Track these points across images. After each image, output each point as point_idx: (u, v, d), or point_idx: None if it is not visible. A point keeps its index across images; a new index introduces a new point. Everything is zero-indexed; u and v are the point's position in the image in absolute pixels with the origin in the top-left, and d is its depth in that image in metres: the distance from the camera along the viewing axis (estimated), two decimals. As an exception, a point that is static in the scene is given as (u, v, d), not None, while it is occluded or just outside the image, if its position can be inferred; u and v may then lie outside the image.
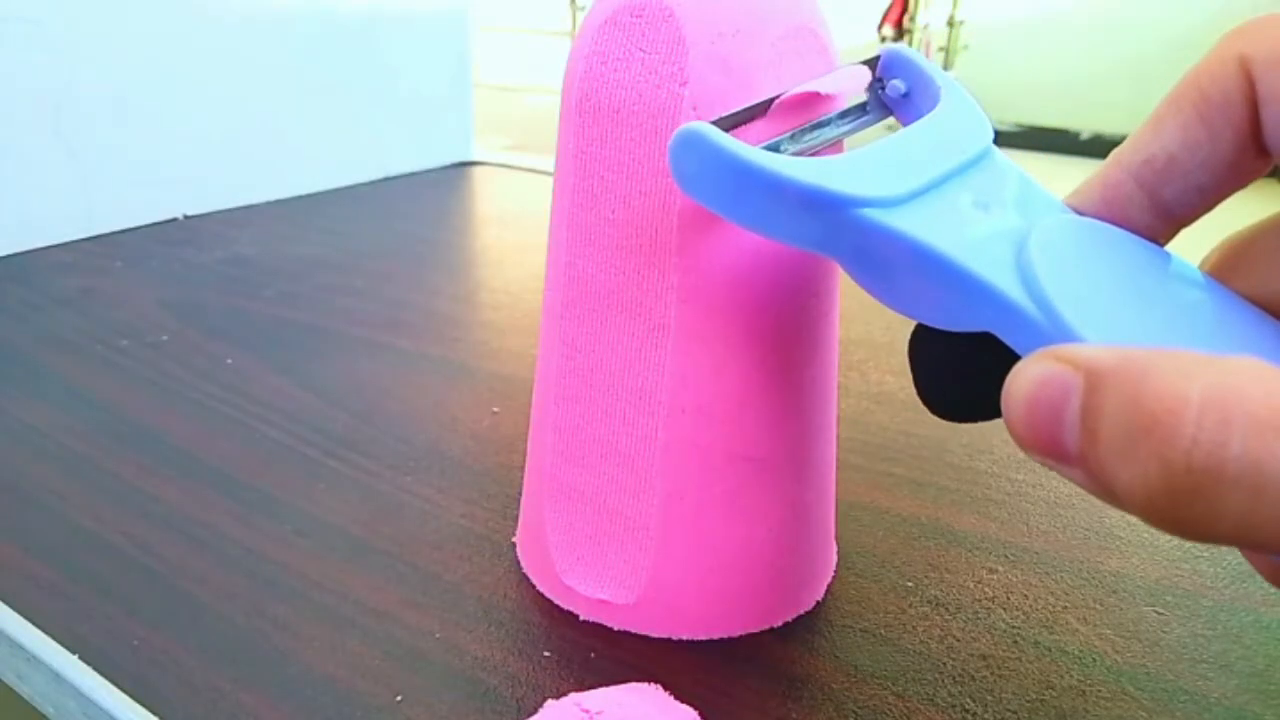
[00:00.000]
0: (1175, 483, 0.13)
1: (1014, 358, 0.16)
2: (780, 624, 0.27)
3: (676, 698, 0.23)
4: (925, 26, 2.84)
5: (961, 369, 0.19)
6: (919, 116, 0.23)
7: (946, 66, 3.32)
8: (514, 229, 0.69)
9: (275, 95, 0.71)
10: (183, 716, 0.23)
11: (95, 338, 0.46)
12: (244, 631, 0.26)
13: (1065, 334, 0.16)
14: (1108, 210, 0.20)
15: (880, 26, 2.92)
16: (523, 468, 0.30)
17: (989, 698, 0.24)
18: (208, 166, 0.68)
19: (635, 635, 0.26)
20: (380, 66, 0.78)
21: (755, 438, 0.25)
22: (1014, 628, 0.27)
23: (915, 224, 0.19)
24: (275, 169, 0.72)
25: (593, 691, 0.23)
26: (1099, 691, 0.25)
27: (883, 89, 0.24)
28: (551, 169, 0.26)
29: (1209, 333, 0.18)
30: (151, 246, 0.61)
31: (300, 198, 0.73)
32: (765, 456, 0.25)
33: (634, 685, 0.24)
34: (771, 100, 0.22)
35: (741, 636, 0.26)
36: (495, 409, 0.40)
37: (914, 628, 0.27)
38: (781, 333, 0.24)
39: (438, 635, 0.26)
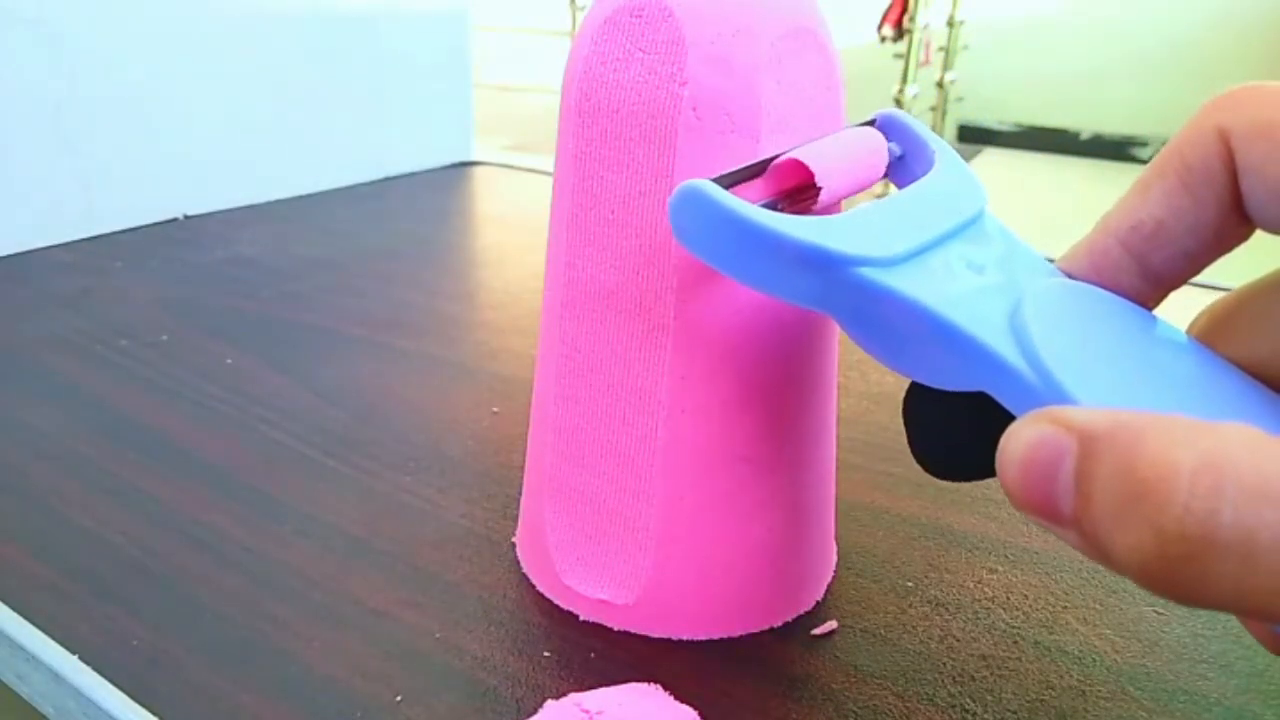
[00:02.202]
0: (1168, 550, 0.13)
1: (1008, 418, 0.17)
2: (780, 624, 0.27)
3: (676, 698, 0.23)
4: (925, 26, 2.84)
5: (956, 428, 0.20)
6: (913, 178, 0.23)
7: (946, 66, 3.32)
8: (514, 229, 0.69)
9: (275, 95, 0.71)
10: (183, 716, 0.23)
11: (95, 338, 0.46)
12: (244, 631, 0.26)
13: (1059, 396, 0.17)
14: (1097, 275, 0.20)
15: (880, 26, 2.92)
16: (523, 468, 0.30)
17: (989, 698, 0.24)
18: (208, 166, 0.68)
19: (635, 635, 0.26)
20: (380, 66, 0.78)
21: (755, 438, 0.25)
22: (1014, 628, 0.27)
23: (911, 284, 0.19)
24: (275, 169, 0.72)
25: (593, 691, 0.23)
26: (1099, 691, 0.25)
27: None
28: (551, 169, 0.26)
29: (1198, 398, 0.18)
30: (151, 246, 0.61)
31: (300, 198, 0.73)
32: (765, 457, 0.25)
33: (634, 685, 0.24)
34: (769, 160, 0.22)
35: (741, 636, 0.26)
36: (495, 409, 0.40)
37: (914, 628, 0.27)
38: (781, 332, 0.24)
39: (438, 635, 0.26)
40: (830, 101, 0.25)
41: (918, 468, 0.21)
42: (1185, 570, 0.13)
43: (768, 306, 0.24)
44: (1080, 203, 3.02)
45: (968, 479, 0.21)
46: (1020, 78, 3.65)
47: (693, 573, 0.26)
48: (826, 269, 0.19)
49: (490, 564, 0.29)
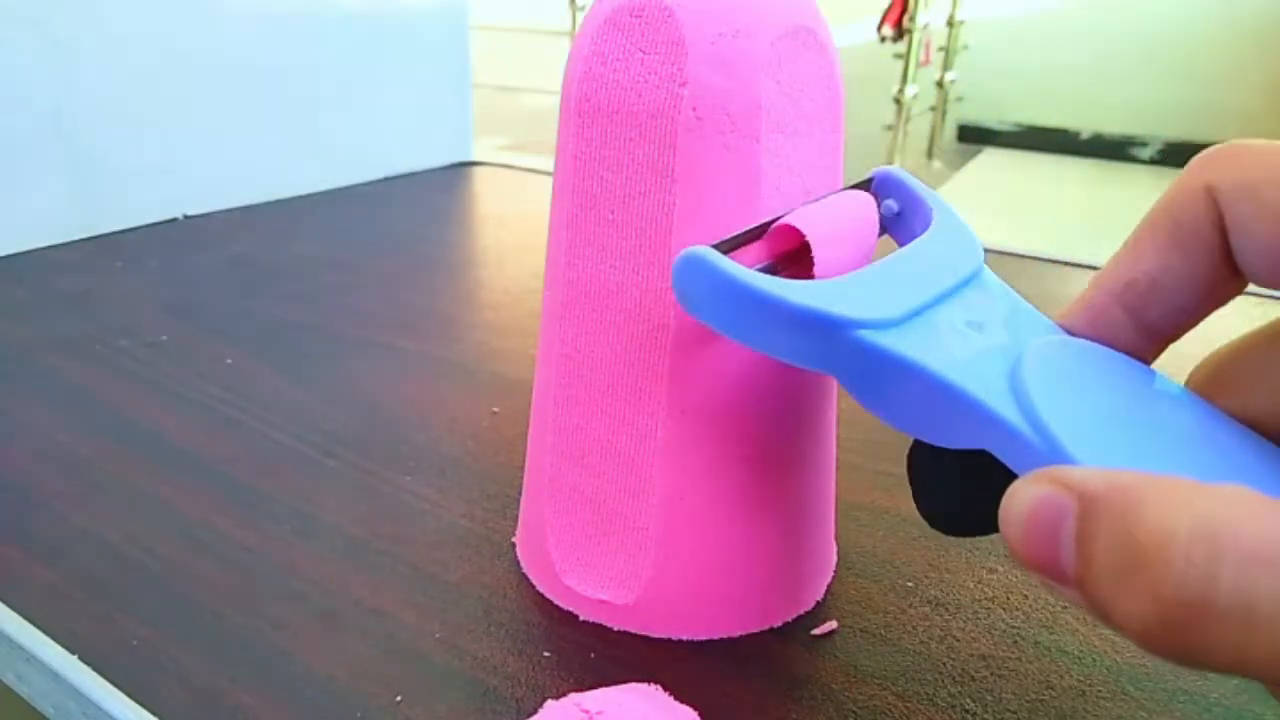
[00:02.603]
0: (1168, 615, 0.13)
1: (1010, 475, 0.17)
2: (780, 624, 0.27)
3: (676, 698, 0.23)
4: (925, 26, 2.84)
5: (959, 485, 0.20)
6: (911, 234, 0.23)
7: (946, 66, 3.32)
8: (514, 229, 0.69)
9: (275, 95, 0.71)
10: (182, 716, 0.23)
11: (95, 338, 0.46)
12: (244, 631, 0.26)
13: (1059, 454, 0.17)
14: (1094, 331, 0.20)
15: (880, 26, 2.92)
16: (523, 468, 0.30)
17: (989, 698, 0.24)
18: (208, 166, 0.68)
19: (635, 635, 0.26)
20: (380, 66, 0.78)
21: (754, 438, 0.25)
22: (1014, 628, 0.27)
23: (911, 345, 0.19)
24: (275, 169, 0.72)
25: (593, 691, 0.23)
26: (1099, 691, 0.25)
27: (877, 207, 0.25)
28: (551, 169, 0.26)
29: (1197, 454, 0.18)
30: (151, 246, 0.61)
31: (300, 198, 0.73)
32: (764, 457, 0.25)
33: (634, 685, 0.24)
34: (769, 224, 0.23)
35: (741, 636, 0.26)
36: (495, 409, 0.40)
37: (914, 628, 0.27)
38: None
39: (438, 635, 0.26)
40: (830, 101, 0.25)
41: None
42: (1186, 636, 0.13)
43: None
44: (1080, 203, 3.02)
45: (972, 534, 0.21)
46: (1020, 78, 3.66)
47: (693, 573, 0.26)
48: (826, 332, 0.20)
49: (490, 564, 0.29)
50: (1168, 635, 0.13)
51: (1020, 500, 0.15)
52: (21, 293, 0.52)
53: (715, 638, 0.26)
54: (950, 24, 3.22)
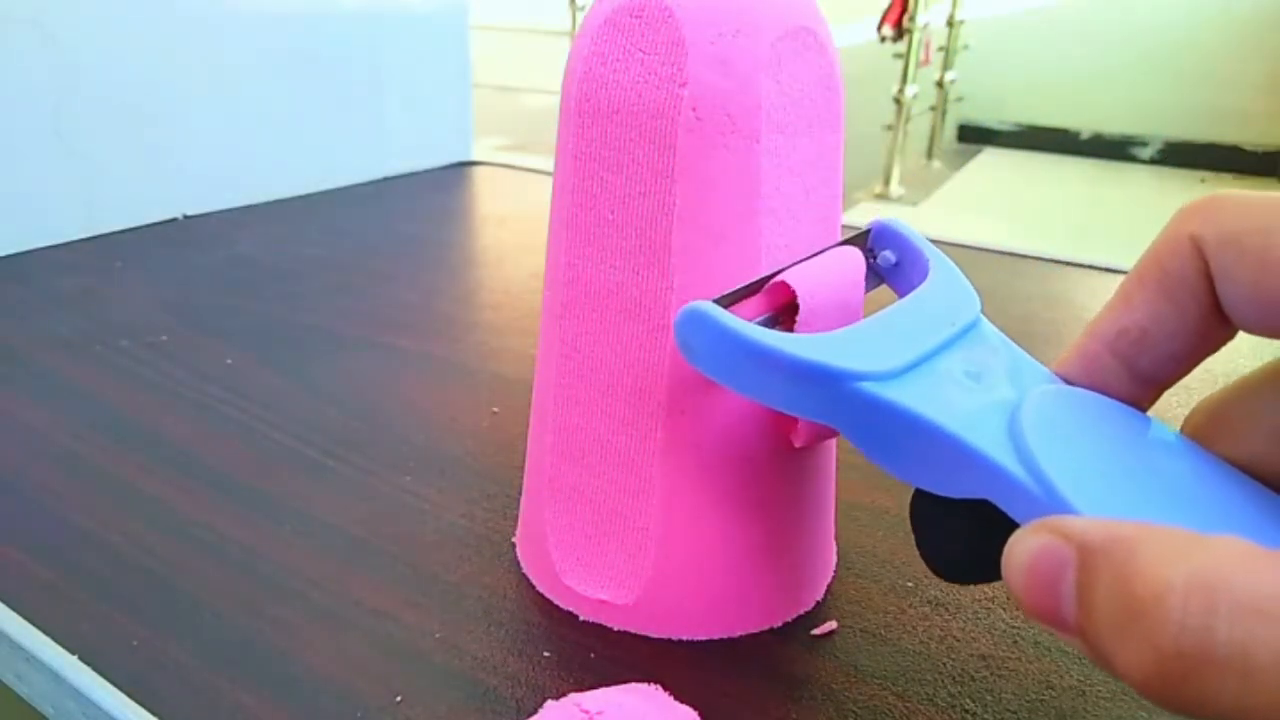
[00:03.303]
0: (1167, 667, 0.13)
1: (1012, 523, 0.17)
2: (780, 624, 0.27)
3: (676, 698, 0.23)
4: (925, 26, 2.84)
5: (961, 533, 0.20)
6: (910, 284, 0.24)
7: (946, 66, 3.32)
8: (514, 229, 0.69)
9: (275, 95, 0.71)
10: (182, 717, 0.23)
11: (95, 338, 0.46)
12: (244, 631, 0.26)
13: (1059, 503, 0.17)
14: (1089, 380, 0.21)
15: (880, 26, 2.92)
16: (523, 468, 0.30)
17: (989, 698, 0.24)
18: (208, 166, 0.68)
19: (635, 635, 0.26)
20: (380, 66, 0.78)
21: (754, 438, 0.25)
22: (1014, 628, 0.27)
23: (911, 396, 0.20)
24: (275, 169, 0.72)
25: (593, 691, 0.23)
26: (1099, 691, 0.25)
27: (874, 258, 0.25)
28: (551, 169, 0.26)
29: (1193, 502, 0.18)
30: (151, 246, 0.61)
31: (300, 198, 0.73)
32: (764, 456, 0.25)
33: (634, 685, 0.24)
34: (768, 277, 0.23)
35: (741, 636, 0.26)
36: (495, 409, 0.40)
37: (914, 628, 0.27)
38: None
39: (438, 635, 0.26)
40: (830, 101, 0.25)
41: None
42: (1185, 687, 0.13)
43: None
44: (1080, 203, 3.02)
45: (977, 581, 0.21)
46: (1020, 78, 3.66)
47: (693, 573, 0.26)
48: (827, 384, 0.20)
49: (490, 564, 0.29)
50: (1167, 686, 0.13)
51: (1022, 550, 0.16)
52: (21, 293, 0.52)
53: (715, 638, 0.26)
54: (950, 24, 3.22)
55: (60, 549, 0.30)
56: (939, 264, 0.24)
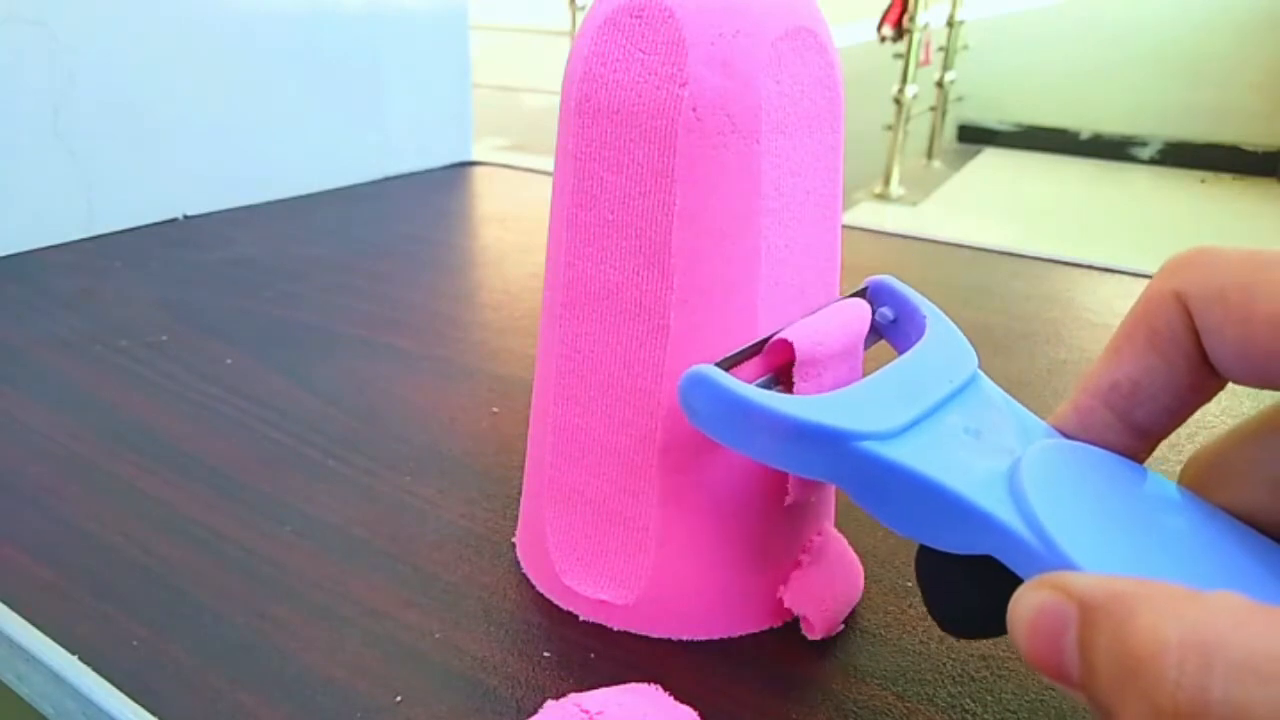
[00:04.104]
0: None
1: (1016, 578, 0.18)
2: (780, 624, 0.27)
3: (676, 698, 0.23)
4: (925, 26, 2.84)
5: (966, 589, 0.20)
6: (907, 339, 0.24)
7: (946, 66, 3.32)
8: (514, 229, 0.69)
9: (275, 95, 0.71)
10: (182, 717, 0.23)
11: (95, 338, 0.46)
12: (244, 631, 0.26)
13: (1060, 559, 0.17)
14: (1085, 434, 0.21)
15: (880, 26, 2.92)
16: (522, 468, 0.30)
17: (989, 698, 0.24)
18: (208, 166, 0.68)
19: (635, 635, 0.26)
20: (380, 66, 0.78)
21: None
22: (1014, 628, 0.27)
23: (911, 454, 0.20)
24: (275, 169, 0.72)
25: (593, 692, 0.23)
26: (1099, 691, 0.24)
27: (873, 314, 0.26)
28: (551, 169, 0.26)
29: (1191, 556, 0.18)
30: (151, 246, 0.61)
31: (300, 198, 0.73)
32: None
33: (634, 685, 0.24)
34: (767, 339, 0.23)
35: (741, 636, 0.26)
36: (495, 409, 0.40)
37: (914, 628, 0.27)
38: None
39: (438, 635, 0.26)
40: (830, 101, 0.25)
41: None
42: None
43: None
44: (1080, 203, 3.02)
45: (985, 636, 0.21)
46: (1020, 78, 3.66)
47: (693, 573, 0.26)
48: (829, 444, 0.20)
49: (490, 564, 0.29)
50: None
51: (1025, 607, 0.16)
52: (21, 293, 0.52)
53: (715, 638, 0.26)
54: (950, 24, 3.22)
55: (60, 549, 0.30)
56: (935, 320, 0.24)
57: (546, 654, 0.26)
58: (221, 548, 0.30)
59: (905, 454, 0.20)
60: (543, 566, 0.28)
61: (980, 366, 0.23)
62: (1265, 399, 0.20)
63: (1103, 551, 0.17)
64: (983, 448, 0.20)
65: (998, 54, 3.53)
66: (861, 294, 0.26)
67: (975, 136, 3.78)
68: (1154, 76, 3.41)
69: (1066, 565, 0.17)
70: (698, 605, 0.26)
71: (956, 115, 3.69)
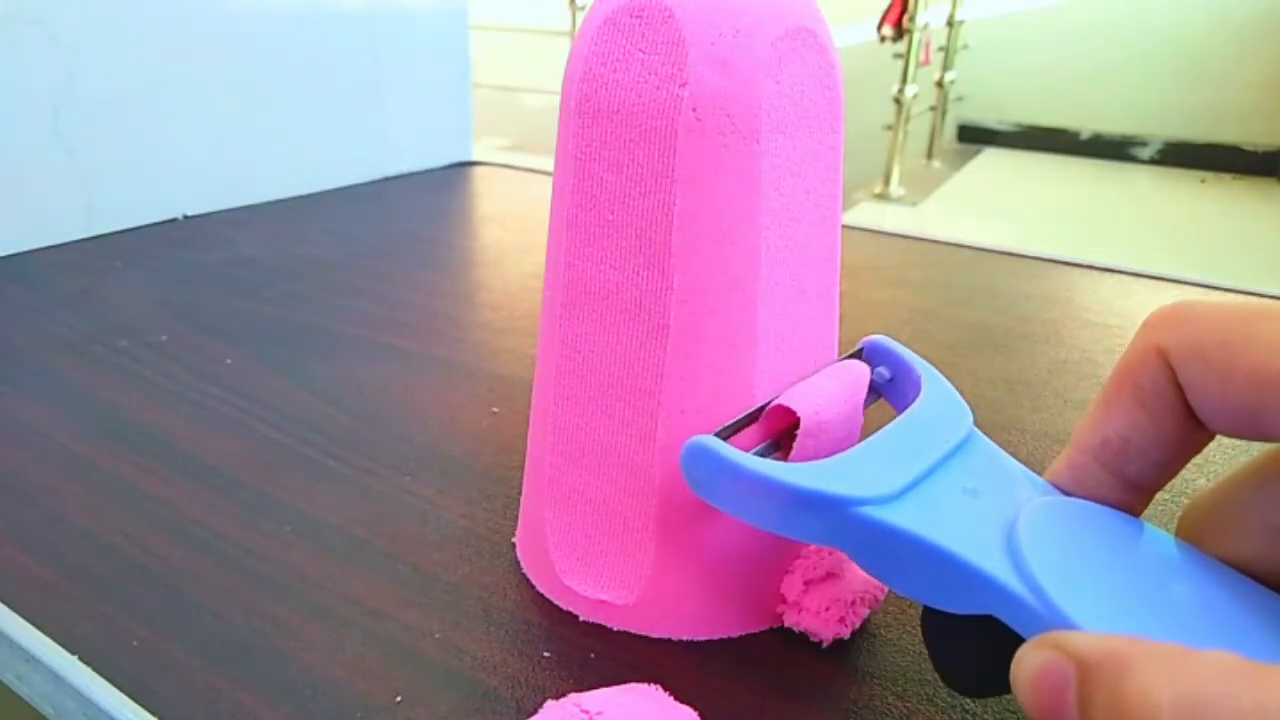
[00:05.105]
0: None
1: (1018, 636, 0.18)
2: (780, 625, 0.27)
3: (676, 698, 0.23)
4: (925, 26, 2.84)
5: (971, 647, 0.20)
6: (904, 398, 0.25)
7: (946, 66, 3.32)
8: (514, 229, 0.69)
9: (275, 95, 0.71)
10: (182, 717, 0.23)
11: (95, 338, 0.46)
12: (243, 631, 0.26)
13: (1059, 618, 0.18)
14: (1079, 489, 0.21)
15: (880, 26, 2.92)
16: (522, 468, 0.30)
17: (989, 699, 0.24)
18: (208, 166, 0.68)
19: (635, 635, 0.26)
20: (380, 66, 0.78)
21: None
22: (1014, 628, 0.27)
23: (910, 518, 0.20)
24: (275, 169, 0.72)
25: (593, 692, 0.23)
26: (1099, 691, 0.24)
27: (871, 374, 0.26)
28: (551, 169, 0.26)
29: (1187, 610, 0.19)
30: (151, 246, 0.61)
31: (300, 198, 0.73)
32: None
33: (634, 685, 0.24)
34: (764, 407, 0.24)
35: (741, 636, 0.26)
36: (495, 409, 0.40)
37: (914, 628, 0.27)
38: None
39: (438, 635, 0.26)
40: (830, 100, 0.25)
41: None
42: None
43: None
44: (1080, 203, 3.02)
45: (992, 694, 0.21)
46: (1020, 78, 3.65)
47: (693, 573, 0.25)
48: (829, 511, 0.21)
49: (490, 564, 0.29)
50: None
51: (1027, 667, 0.16)
52: (21, 293, 0.52)
53: (715, 638, 0.26)
54: (950, 24, 3.22)
55: (60, 549, 0.30)
56: (930, 379, 0.25)
57: (546, 654, 0.26)
58: (221, 548, 0.30)
59: (904, 518, 0.20)
60: (543, 566, 0.28)
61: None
62: (1258, 447, 0.20)
63: (1100, 609, 0.18)
64: (980, 507, 0.21)
65: (998, 54, 3.53)
66: (858, 355, 0.27)
67: (975, 136, 3.78)
68: (1154, 76, 3.41)
69: (1066, 624, 0.17)
70: (697, 605, 0.26)
71: (956, 115, 3.69)
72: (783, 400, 0.24)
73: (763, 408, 0.24)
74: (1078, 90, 3.53)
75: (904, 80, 2.85)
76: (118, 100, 0.61)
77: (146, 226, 0.64)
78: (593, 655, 0.26)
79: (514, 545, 0.30)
